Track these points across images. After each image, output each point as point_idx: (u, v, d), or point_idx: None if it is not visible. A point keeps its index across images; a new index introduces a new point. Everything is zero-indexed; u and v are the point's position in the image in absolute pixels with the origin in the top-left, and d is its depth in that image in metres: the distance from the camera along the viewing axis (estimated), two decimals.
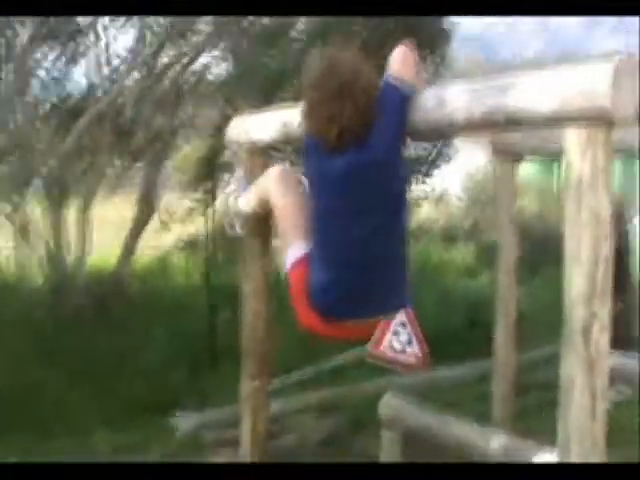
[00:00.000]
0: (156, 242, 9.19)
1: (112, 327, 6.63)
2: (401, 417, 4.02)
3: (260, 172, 3.10)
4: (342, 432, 5.27)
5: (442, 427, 3.81)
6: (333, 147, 2.52)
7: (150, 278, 8.69)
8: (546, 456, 3.13)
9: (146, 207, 8.07)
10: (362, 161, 2.48)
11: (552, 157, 4.42)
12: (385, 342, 4.54)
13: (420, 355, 4.17)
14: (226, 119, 7.06)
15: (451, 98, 2.27)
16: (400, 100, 2.50)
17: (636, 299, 6.38)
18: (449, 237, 12.40)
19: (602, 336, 1.92)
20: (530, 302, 6.67)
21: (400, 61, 2.58)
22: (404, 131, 2.53)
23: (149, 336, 6.59)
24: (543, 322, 4.81)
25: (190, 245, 9.27)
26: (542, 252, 8.07)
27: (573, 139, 1.90)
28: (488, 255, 10.62)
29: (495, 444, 3.47)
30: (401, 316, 4.43)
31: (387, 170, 2.52)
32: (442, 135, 2.48)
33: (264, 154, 3.46)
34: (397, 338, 4.30)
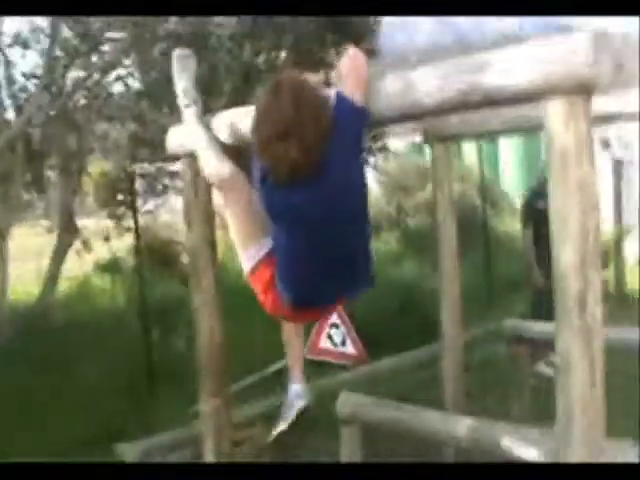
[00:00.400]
0: (79, 266, 8.88)
1: (42, 357, 6.36)
2: (360, 412, 4.00)
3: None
4: (294, 432, 5.20)
5: (404, 418, 3.80)
6: (286, 182, 2.43)
7: (75, 303, 8.38)
8: (519, 436, 3.16)
9: (65, 231, 7.78)
10: (320, 190, 2.40)
11: (487, 137, 4.50)
12: (321, 343, 4.55)
13: (355, 352, 4.17)
14: (143, 133, 6.92)
15: (421, 81, 2.22)
16: (354, 113, 2.41)
17: None
18: (373, 225, 12.38)
19: (597, 305, 1.93)
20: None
21: (351, 70, 2.49)
22: (361, 144, 2.48)
23: (81, 364, 6.34)
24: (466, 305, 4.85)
25: (115, 266, 9.02)
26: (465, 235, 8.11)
27: (555, 111, 1.89)
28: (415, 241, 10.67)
29: (462, 429, 3.49)
30: (334, 317, 4.47)
31: (347, 189, 2.45)
32: (411, 120, 2.40)
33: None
34: (332, 339, 4.31)
